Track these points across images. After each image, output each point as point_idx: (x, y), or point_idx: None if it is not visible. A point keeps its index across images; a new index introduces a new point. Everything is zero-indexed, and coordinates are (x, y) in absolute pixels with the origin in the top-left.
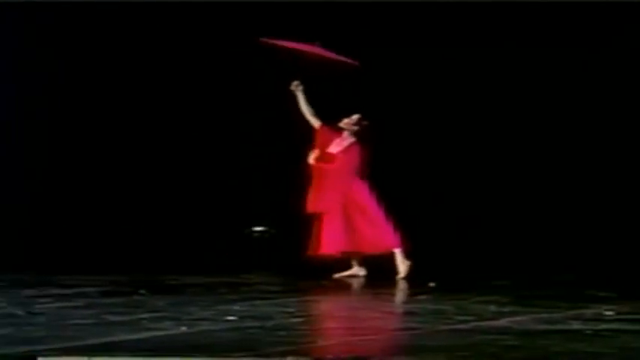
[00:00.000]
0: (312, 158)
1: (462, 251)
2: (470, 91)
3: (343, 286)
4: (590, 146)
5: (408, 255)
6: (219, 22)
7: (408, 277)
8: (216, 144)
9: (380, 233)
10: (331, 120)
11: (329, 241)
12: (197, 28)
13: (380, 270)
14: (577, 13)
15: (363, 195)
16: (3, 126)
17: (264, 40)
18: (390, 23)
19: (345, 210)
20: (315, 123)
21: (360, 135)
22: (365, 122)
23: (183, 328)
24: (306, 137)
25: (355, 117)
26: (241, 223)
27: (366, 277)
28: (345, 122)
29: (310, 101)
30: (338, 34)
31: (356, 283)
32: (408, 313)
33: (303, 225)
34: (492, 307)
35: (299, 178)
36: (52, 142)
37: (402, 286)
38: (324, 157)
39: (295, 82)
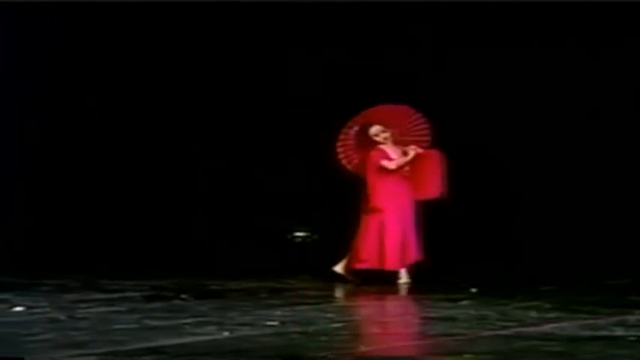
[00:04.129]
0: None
1: (506, 256)
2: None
3: (384, 292)
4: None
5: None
6: (227, 21)
7: (449, 283)
8: (261, 147)
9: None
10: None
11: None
12: (204, 28)
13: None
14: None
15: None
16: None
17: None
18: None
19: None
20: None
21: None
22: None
23: (226, 333)
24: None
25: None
26: (284, 228)
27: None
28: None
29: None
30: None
31: (401, 289)
32: (449, 319)
33: (345, 230)
34: (534, 313)
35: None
36: (92, 144)
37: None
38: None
39: (412, 147)
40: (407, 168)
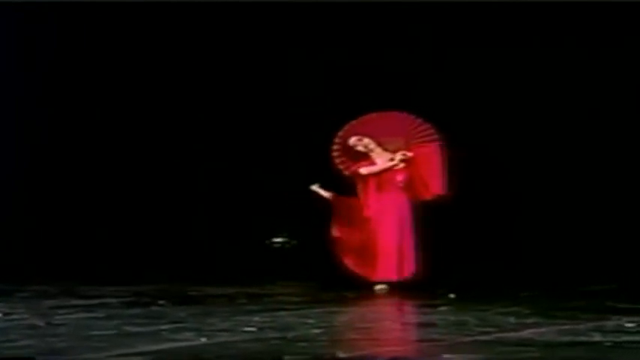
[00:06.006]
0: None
1: (484, 262)
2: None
3: (364, 297)
4: (623, 158)
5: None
6: (222, 23)
7: (428, 288)
8: (237, 153)
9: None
10: None
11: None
12: (204, 28)
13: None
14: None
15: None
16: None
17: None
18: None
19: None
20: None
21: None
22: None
23: (204, 339)
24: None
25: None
26: (262, 234)
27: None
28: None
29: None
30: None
31: (383, 294)
32: (429, 325)
33: (325, 236)
34: (513, 319)
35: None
36: (73, 148)
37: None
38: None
39: (401, 152)
40: (400, 178)
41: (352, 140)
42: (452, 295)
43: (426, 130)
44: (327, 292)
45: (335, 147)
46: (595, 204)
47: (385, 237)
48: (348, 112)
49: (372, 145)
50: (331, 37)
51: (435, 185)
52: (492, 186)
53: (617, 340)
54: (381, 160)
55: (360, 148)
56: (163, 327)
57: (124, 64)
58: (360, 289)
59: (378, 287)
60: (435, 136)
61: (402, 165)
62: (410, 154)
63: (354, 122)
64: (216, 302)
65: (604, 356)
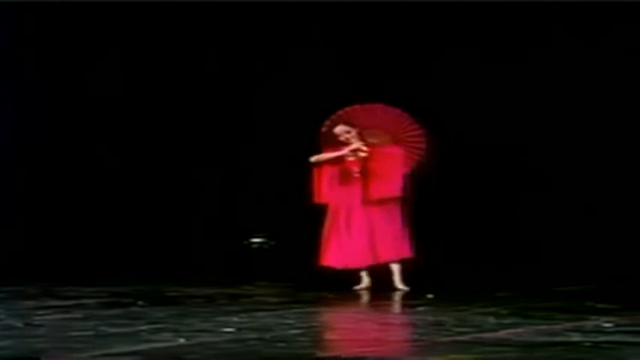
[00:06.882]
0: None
1: (462, 263)
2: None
3: (343, 298)
4: (600, 159)
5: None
6: (215, 25)
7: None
8: (215, 154)
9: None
10: None
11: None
12: (190, 35)
13: (380, 280)
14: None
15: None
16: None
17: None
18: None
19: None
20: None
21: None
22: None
23: (182, 340)
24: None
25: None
26: (241, 234)
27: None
28: (345, 135)
29: None
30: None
31: (362, 295)
32: (407, 325)
33: (304, 236)
34: (491, 319)
35: (300, 189)
36: (52, 152)
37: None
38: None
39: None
40: (355, 169)
41: (338, 129)
42: (430, 296)
43: (412, 130)
44: (305, 293)
45: (323, 130)
46: (573, 205)
47: (328, 224)
48: (329, 112)
49: (354, 138)
50: (311, 36)
51: (386, 187)
52: (469, 187)
53: (596, 340)
54: (355, 146)
55: (342, 138)
56: (142, 328)
57: (122, 65)
58: (339, 289)
59: (357, 287)
60: (420, 139)
61: (351, 157)
62: (365, 148)
63: (341, 112)
64: (195, 303)
65: (583, 356)
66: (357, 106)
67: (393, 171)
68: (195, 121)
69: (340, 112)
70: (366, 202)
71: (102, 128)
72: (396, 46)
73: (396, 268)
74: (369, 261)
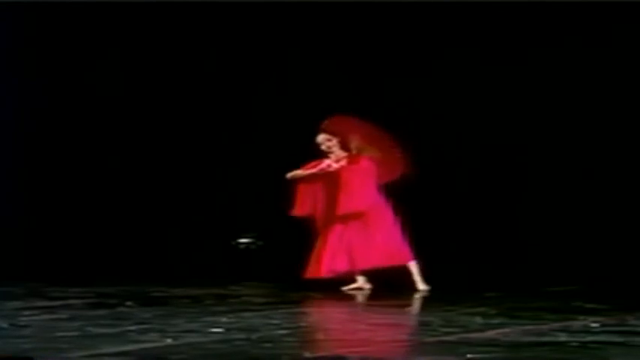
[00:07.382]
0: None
1: (450, 263)
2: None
3: (331, 298)
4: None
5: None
6: (215, 25)
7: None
8: (202, 154)
9: (396, 245)
10: None
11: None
12: (190, 35)
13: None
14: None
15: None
16: None
17: None
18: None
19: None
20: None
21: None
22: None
23: (169, 340)
24: (295, 147)
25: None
26: (228, 235)
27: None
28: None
29: None
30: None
31: (360, 296)
32: (394, 325)
33: (292, 236)
34: (479, 319)
35: (288, 190)
36: (42, 153)
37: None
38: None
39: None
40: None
41: (320, 138)
42: (418, 296)
43: (396, 159)
44: (293, 293)
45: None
46: (562, 205)
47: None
48: (329, 112)
49: (335, 148)
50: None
51: (352, 203)
52: (456, 187)
53: (583, 340)
54: (326, 164)
55: (323, 147)
56: (129, 328)
57: (121, 65)
58: (326, 290)
59: (346, 288)
60: (399, 170)
61: (320, 173)
62: (335, 165)
63: (327, 121)
64: (182, 303)
65: (569, 356)
66: (339, 116)
67: (361, 185)
68: (195, 120)
69: (326, 121)
70: (338, 216)
71: (101, 128)
72: (396, 47)
73: (414, 269)
74: (344, 267)
